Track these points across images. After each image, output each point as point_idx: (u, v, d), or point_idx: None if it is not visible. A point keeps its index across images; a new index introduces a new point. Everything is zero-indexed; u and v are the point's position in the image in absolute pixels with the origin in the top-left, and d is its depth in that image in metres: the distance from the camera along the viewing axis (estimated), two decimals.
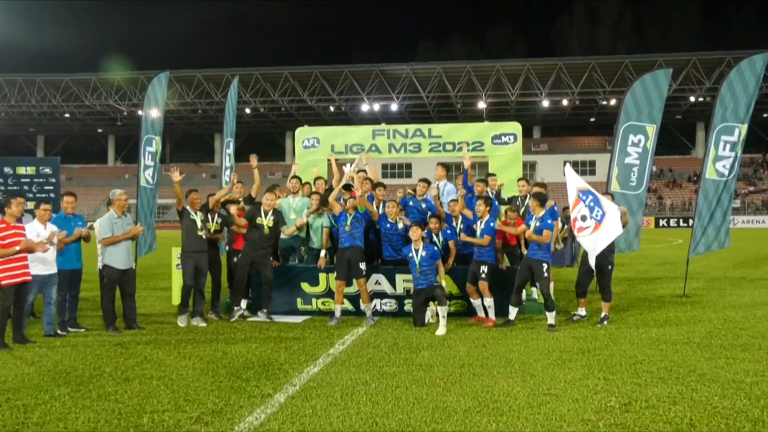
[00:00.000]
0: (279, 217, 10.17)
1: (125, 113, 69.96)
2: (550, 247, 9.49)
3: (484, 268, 9.57)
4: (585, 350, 7.83)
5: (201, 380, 6.57)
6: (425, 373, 6.80)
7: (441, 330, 9.02)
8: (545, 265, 9.39)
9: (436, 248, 9.75)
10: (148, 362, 7.35)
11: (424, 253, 9.51)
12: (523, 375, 6.70)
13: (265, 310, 10.02)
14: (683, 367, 6.97)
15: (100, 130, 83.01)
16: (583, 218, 9.50)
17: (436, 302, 9.32)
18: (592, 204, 9.43)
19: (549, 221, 9.41)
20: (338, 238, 10.22)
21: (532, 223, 9.54)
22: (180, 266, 10.95)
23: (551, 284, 10.89)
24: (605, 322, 9.59)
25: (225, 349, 8.03)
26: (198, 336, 8.91)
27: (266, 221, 9.98)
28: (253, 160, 11.20)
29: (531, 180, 11.27)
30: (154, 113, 12.87)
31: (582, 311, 9.99)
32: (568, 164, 10.03)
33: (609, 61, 59.29)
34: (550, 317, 9.32)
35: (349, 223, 9.95)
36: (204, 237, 9.78)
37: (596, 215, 9.35)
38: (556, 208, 10.79)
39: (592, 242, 9.35)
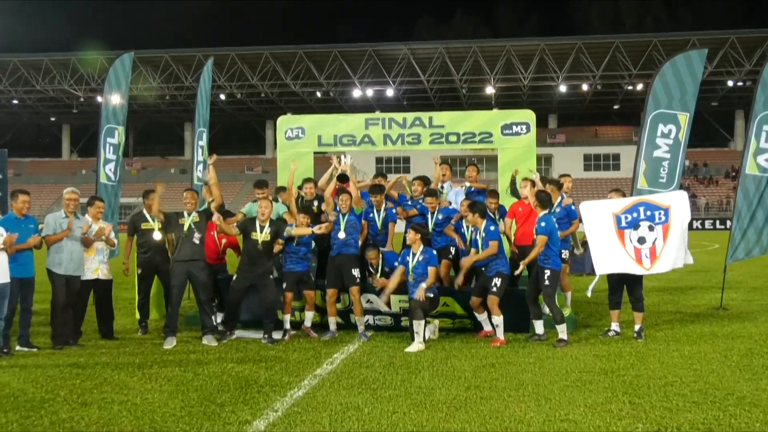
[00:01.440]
0: (278, 227, 9.97)
1: (82, 100, 69.84)
2: (556, 252, 9.54)
3: (496, 281, 9.58)
4: (608, 370, 7.85)
5: (169, 405, 6.56)
6: (426, 396, 6.81)
7: (412, 346, 9.08)
8: (548, 272, 9.44)
9: (434, 252, 9.79)
10: (108, 385, 7.33)
11: (420, 258, 9.52)
12: (538, 398, 6.71)
13: (266, 336, 9.89)
14: (720, 390, 6.99)
15: (53, 119, 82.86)
16: (641, 240, 9.66)
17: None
18: (649, 214, 9.61)
19: (543, 224, 9.45)
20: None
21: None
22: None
23: (567, 294, 10.93)
24: (642, 336, 9.66)
25: (196, 369, 8.02)
26: (165, 355, 8.90)
27: (261, 236, 9.83)
28: (213, 157, 11.03)
29: (547, 176, 11.28)
30: (116, 99, 12.84)
31: (616, 326, 9.99)
32: (584, 203, 10.16)
33: (635, 40, 59.48)
34: (560, 331, 9.39)
35: (343, 228, 9.97)
36: (198, 243, 9.82)
37: (660, 218, 9.56)
38: (573, 207, 10.80)
39: (674, 251, 9.56)
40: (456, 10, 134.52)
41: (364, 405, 6.51)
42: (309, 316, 10.27)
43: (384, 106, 68.32)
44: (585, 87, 66.05)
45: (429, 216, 10.70)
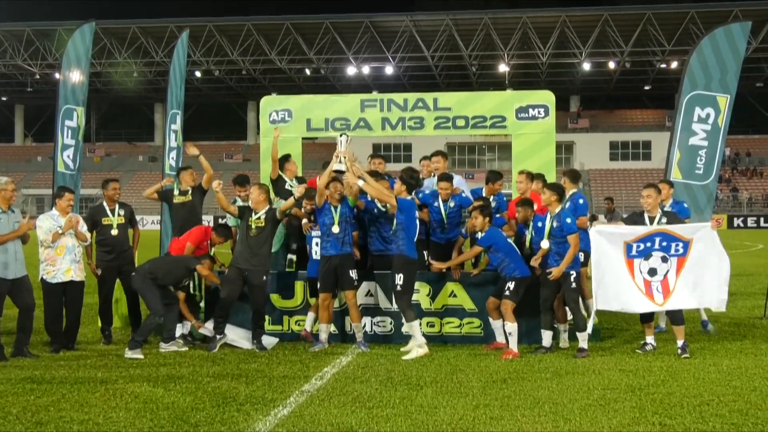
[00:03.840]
0: (272, 212, 10.27)
1: (38, 77, 69.70)
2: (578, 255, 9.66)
3: (510, 285, 9.66)
4: (636, 387, 7.87)
5: (136, 425, 6.57)
6: (428, 416, 6.82)
7: (411, 353, 9.41)
8: (573, 274, 9.58)
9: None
10: (66, 401, 7.34)
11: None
12: (555, 419, 6.73)
13: (255, 341, 10.07)
14: (763, 410, 7.01)
15: (4, 99, 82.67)
16: (652, 272, 9.73)
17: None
18: (665, 244, 9.69)
19: (569, 220, 9.56)
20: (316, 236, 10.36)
21: (547, 224, 9.69)
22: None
23: (589, 303, 10.93)
24: (687, 351, 9.56)
25: (167, 385, 8.03)
26: (132, 369, 8.90)
27: (255, 220, 10.11)
28: (192, 149, 11.25)
29: (564, 168, 11.24)
30: (76, 76, 12.84)
31: (652, 339, 9.96)
32: (595, 225, 10.11)
33: (669, 11, 59.39)
34: (581, 340, 9.50)
35: (336, 221, 10.01)
36: None
37: (677, 251, 9.66)
38: (581, 201, 10.74)
39: (692, 286, 9.68)
40: None
41: (359, 425, 6.52)
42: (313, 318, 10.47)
43: (382, 86, 68.22)
44: (612, 65, 65.97)
45: (441, 205, 10.75)
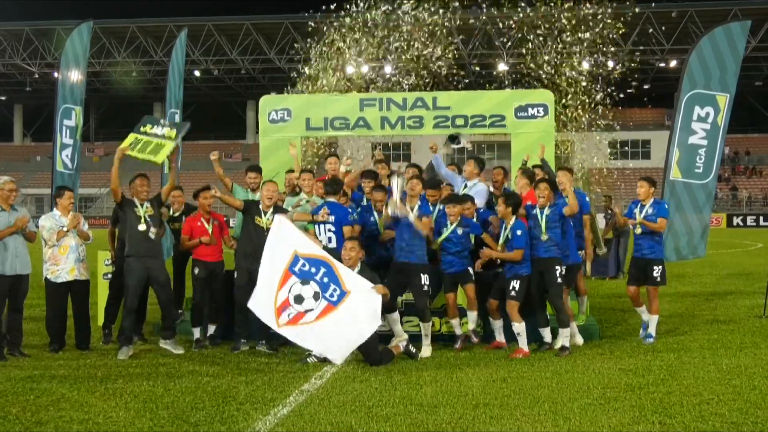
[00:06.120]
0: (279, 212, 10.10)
1: (37, 76, 69.57)
2: (569, 242, 9.67)
3: (515, 284, 9.59)
4: (635, 386, 7.88)
5: (135, 425, 6.58)
6: (428, 415, 6.83)
7: (426, 351, 9.48)
8: (558, 268, 9.54)
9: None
10: (66, 401, 7.34)
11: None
12: (555, 418, 6.74)
13: (263, 342, 9.92)
14: (763, 409, 7.02)
15: (3, 98, 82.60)
16: (298, 299, 9.00)
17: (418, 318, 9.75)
18: (326, 281, 9.02)
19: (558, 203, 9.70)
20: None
21: (543, 223, 9.63)
22: (109, 276, 10.97)
23: (584, 299, 10.93)
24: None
25: (167, 384, 8.04)
26: (132, 368, 8.91)
27: (265, 221, 9.91)
28: (216, 159, 11.01)
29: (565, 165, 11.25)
30: (74, 76, 12.84)
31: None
32: (278, 217, 9.55)
33: (668, 11, 59.38)
34: (563, 337, 9.50)
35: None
36: (153, 237, 9.86)
37: (331, 296, 8.99)
38: (588, 199, 10.78)
39: (326, 335, 8.89)
40: None
41: (358, 425, 6.53)
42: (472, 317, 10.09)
43: (382, 85, 68.06)
44: (610, 64, 65.94)
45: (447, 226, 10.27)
